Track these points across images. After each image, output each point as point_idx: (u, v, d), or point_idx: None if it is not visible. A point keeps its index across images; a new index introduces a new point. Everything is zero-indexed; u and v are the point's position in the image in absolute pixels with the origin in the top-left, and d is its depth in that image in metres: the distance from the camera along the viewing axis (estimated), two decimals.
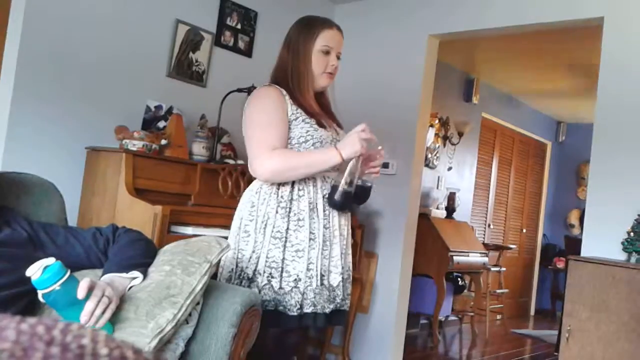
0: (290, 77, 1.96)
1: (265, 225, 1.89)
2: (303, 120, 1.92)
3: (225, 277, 1.94)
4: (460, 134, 5.80)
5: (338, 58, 2.00)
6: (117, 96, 3.01)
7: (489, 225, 6.64)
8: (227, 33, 3.53)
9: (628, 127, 2.90)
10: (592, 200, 3.00)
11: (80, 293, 1.27)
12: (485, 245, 5.80)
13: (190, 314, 1.53)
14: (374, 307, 3.72)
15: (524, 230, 7.31)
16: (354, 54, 4.02)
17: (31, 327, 0.29)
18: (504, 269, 5.96)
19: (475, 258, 5.16)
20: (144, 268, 1.53)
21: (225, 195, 2.94)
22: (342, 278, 1.98)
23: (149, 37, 3.15)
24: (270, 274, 1.87)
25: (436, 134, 5.51)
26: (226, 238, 1.83)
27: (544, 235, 7.67)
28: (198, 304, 1.56)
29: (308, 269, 1.88)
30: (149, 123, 3.05)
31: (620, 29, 2.98)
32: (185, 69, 3.31)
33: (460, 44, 4.62)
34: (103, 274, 1.48)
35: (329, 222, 1.94)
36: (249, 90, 3.29)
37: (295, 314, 1.86)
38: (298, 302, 1.86)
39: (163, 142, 2.84)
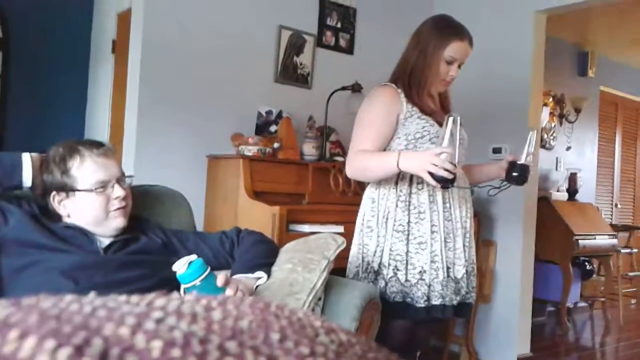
0: (410, 75, 1.97)
1: (387, 219, 1.94)
2: (418, 117, 1.94)
3: (353, 272, 2.01)
4: (578, 111, 5.50)
5: (459, 67, 2.00)
6: (230, 105, 3.18)
7: (616, 205, 6.24)
8: (328, 33, 3.60)
9: None
10: None
11: (220, 282, 1.38)
12: (613, 226, 5.47)
13: (313, 310, 1.60)
14: (495, 296, 3.65)
15: None
16: None
17: (252, 305, 0.34)
18: (635, 250, 5.58)
19: (603, 240, 4.88)
20: (268, 267, 1.63)
21: (337, 192, 3.01)
22: (467, 271, 1.99)
23: (255, 46, 3.29)
24: (396, 266, 1.91)
25: (551, 113, 5.27)
26: (340, 234, 1.89)
27: None
28: (320, 299, 1.63)
29: (433, 261, 1.90)
30: (262, 128, 3.19)
31: None
32: (290, 72, 3.42)
33: (570, 16, 4.39)
34: (231, 275, 1.58)
35: (450, 214, 1.96)
36: (353, 87, 3.34)
37: (423, 305, 1.89)
38: (425, 293, 1.90)
39: (276, 145, 2.96)
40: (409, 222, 1.91)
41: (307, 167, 3.00)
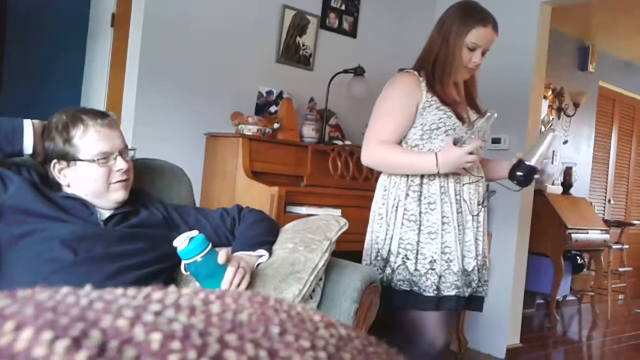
0: (434, 63, 1.92)
1: (397, 207, 1.91)
2: (437, 108, 1.88)
3: (366, 259, 1.99)
4: (576, 105, 5.50)
5: (484, 54, 1.94)
6: (230, 84, 3.14)
7: (610, 201, 6.27)
8: (332, 15, 3.56)
9: None
10: None
11: (221, 258, 1.37)
12: (606, 221, 5.50)
13: (314, 290, 1.58)
14: (488, 286, 3.65)
15: None
16: None
17: (251, 298, 0.33)
18: (626, 246, 5.62)
19: (595, 235, 4.91)
20: (269, 246, 1.61)
21: (336, 176, 2.99)
22: (477, 263, 1.95)
23: (258, 24, 3.25)
24: (406, 255, 1.88)
25: (550, 106, 5.27)
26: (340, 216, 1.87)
27: None
28: (321, 279, 1.62)
29: (444, 252, 1.87)
30: (262, 108, 3.16)
31: None
32: (293, 53, 3.38)
33: (573, 9, 4.37)
34: (232, 252, 1.57)
35: (460, 206, 1.92)
36: (355, 70, 3.31)
37: (432, 294, 1.85)
38: (434, 283, 1.85)
39: (275, 125, 2.93)
40: (420, 212, 1.88)
41: (307, 149, 2.98)
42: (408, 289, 1.87)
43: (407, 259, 1.87)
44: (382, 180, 2.01)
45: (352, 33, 3.67)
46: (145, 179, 1.80)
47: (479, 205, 1.95)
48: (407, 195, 1.90)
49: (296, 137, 3.06)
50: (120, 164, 1.53)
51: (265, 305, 0.32)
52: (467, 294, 1.92)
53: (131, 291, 0.33)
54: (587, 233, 4.81)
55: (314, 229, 1.67)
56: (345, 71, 3.31)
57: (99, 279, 1.37)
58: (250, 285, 1.45)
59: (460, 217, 1.91)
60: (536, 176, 1.91)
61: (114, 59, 3.56)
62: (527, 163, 1.87)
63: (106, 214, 1.55)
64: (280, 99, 3.19)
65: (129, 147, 1.63)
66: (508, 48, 3.64)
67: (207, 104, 3.06)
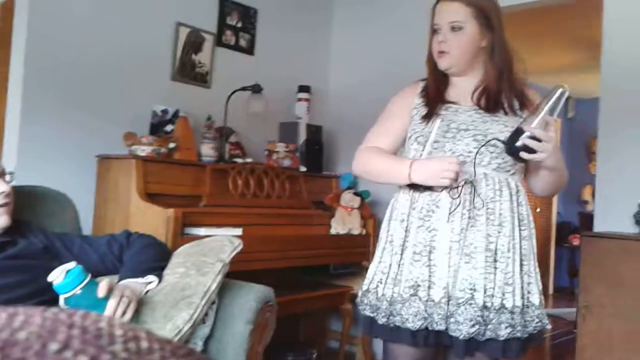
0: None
1: (383, 229, 1.75)
2: (419, 114, 1.71)
3: None
4: None
5: (454, 29, 1.66)
6: (123, 103, 3.04)
7: None
8: (228, 32, 3.55)
9: (634, 99, 2.89)
10: (601, 175, 2.99)
11: (101, 292, 1.31)
12: None
13: (206, 314, 1.56)
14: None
15: (538, 210, 7.29)
16: (355, 46, 4.02)
17: (54, 314, 0.32)
18: None
19: None
20: (159, 272, 1.57)
21: (236, 195, 2.97)
22: (446, 294, 1.57)
23: (151, 42, 3.17)
24: (381, 279, 1.67)
25: None
26: (239, 237, 1.85)
27: (558, 213, 7.63)
28: (214, 303, 1.59)
29: (384, 274, 1.66)
30: (157, 128, 3.08)
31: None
32: (188, 71, 3.33)
33: None
34: (119, 280, 1.51)
35: (432, 223, 1.60)
36: (253, 88, 3.31)
37: (383, 322, 1.61)
38: (385, 310, 1.62)
39: (171, 145, 2.87)
40: (387, 230, 1.70)
41: (205, 168, 2.94)
42: (370, 314, 1.67)
43: (380, 282, 1.67)
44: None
45: (250, 50, 3.67)
46: (25, 206, 1.70)
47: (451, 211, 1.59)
48: (391, 214, 1.73)
49: (194, 156, 3.01)
50: (1, 186, 1.44)
51: (63, 321, 0.31)
52: (413, 326, 1.55)
53: None
54: None
55: (207, 252, 1.65)
56: (244, 88, 3.30)
57: None
58: (137, 313, 1.40)
59: (427, 236, 1.60)
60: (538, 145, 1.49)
61: None
62: (525, 128, 1.50)
63: None
64: (176, 118, 3.13)
65: (9, 170, 1.54)
66: (400, 70, 3.77)
67: (98, 125, 2.94)
